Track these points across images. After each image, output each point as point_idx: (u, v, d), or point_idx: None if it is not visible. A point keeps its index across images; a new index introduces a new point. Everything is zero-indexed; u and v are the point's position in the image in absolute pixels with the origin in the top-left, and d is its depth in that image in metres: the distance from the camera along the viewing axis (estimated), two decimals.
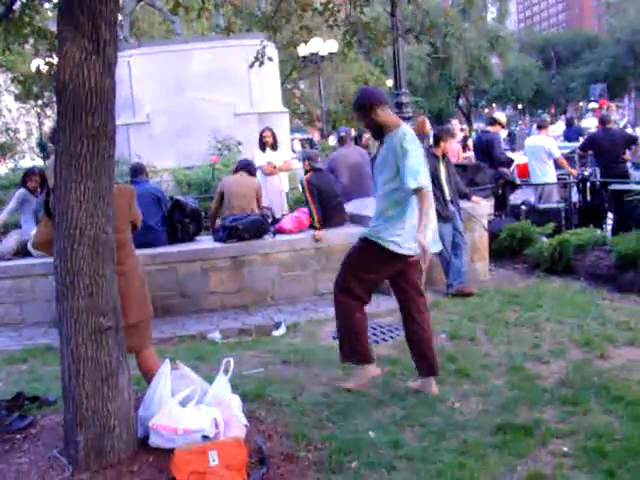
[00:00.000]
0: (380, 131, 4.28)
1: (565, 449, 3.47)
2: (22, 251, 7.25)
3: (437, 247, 4.43)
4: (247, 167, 7.81)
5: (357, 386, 4.44)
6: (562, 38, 68.55)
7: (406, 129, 4.23)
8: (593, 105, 28.97)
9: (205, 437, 3.34)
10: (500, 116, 10.87)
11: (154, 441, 3.39)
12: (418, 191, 4.01)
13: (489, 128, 10.48)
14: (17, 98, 29.96)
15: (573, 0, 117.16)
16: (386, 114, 4.26)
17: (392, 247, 4.19)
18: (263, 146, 9.13)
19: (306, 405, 4.17)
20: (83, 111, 3.07)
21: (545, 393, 4.22)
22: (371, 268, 4.33)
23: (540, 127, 10.88)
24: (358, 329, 4.40)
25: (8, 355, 5.83)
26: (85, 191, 3.12)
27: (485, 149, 10.03)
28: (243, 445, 3.29)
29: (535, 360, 4.89)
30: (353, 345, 4.41)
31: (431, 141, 7.51)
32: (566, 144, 12.56)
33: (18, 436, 3.68)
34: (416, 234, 3.98)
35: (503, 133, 16.60)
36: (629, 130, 19.52)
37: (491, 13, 54.82)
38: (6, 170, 24.73)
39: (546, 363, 4.83)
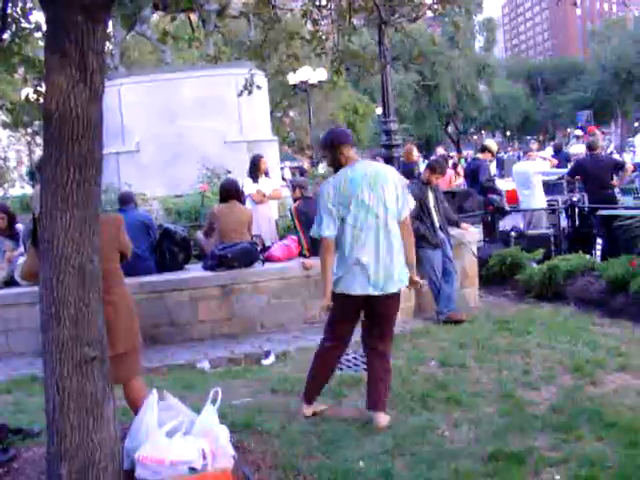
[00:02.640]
0: (339, 169, 4.39)
1: (558, 477, 3.43)
2: (11, 281, 7.18)
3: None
4: (237, 194, 7.70)
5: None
6: (548, 65, 69.54)
7: (339, 173, 4.34)
8: (578, 132, 29.24)
9: (192, 469, 3.28)
10: (491, 144, 10.98)
11: (140, 474, 3.32)
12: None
13: (479, 155, 10.56)
14: (6, 126, 29.96)
15: (558, 28, 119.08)
16: (349, 154, 4.38)
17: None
18: (256, 173, 9.07)
19: (295, 435, 4.12)
20: (69, 139, 3.05)
21: (537, 420, 4.19)
22: None
23: (526, 153, 11.02)
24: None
25: None
26: (71, 220, 3.09)
27: (474, 176, 10.10)
28: (231, 476, 3.24)
29: (526, 386, 4.86)
30: None
31: (421, 168, 7.54)
32: (554, 170, 12.64)
33: (0, 470, 3.60)
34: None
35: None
36: (616, 156, 19.68)
37: (478, 42, 55.58)
38: None
39: (537, 389, 4.80)
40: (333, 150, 4.38)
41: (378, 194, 4.23)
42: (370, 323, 4.48)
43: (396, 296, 4.40)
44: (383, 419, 4.28)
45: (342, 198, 4.24)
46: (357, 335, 6.44)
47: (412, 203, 4.70)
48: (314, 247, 7.26)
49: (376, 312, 4.40)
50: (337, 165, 4.42)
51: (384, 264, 4.23)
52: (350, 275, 4.26)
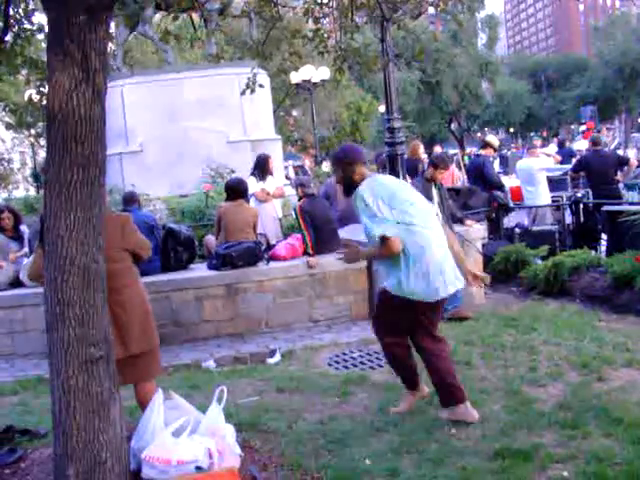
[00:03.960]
0: (351, 186, 4.29)
1: (565, 474, 3.42)
2: (16, 282, 7.20)
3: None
4: (245, 193, 7.69)
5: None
6: (552, 62, 69.34)
7: (362, 186, 4.20)
8: (583, 128, 29.23)
9: (199, 468, 3.28)
10: (492, 139, 10.92)
11: (147, 473, 3.32)
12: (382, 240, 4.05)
13: (481, 151, 10.52)
14: (9, 127, 30.01)
15: (561, 24, 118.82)
16: (362, 172, 4.29)
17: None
18: (264, 173, 9.03)
19: (302, 433, 4.11)
20: (73, 140, 3.05)
21: (543, 417, 4.17)
22: None
23: (530, 149, 10.99)
24: None
25: None
26: (75, 220, 3.09)
27: (478, 172, 10.06)
28: (237, 475, 3.24)
29: (532, 383, 4.85)
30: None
31: (425, 165, 7.52)
32: (558, 166, 12.62)
33: (7, 471, 3.61)
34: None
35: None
36: (620, 151, 19.63)
37: (481, 39, 55.46)
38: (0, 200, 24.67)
39: (544, 386, 4.78)
40: (347, 167, 4.29)
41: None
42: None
43: None
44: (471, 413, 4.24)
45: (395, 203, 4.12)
46: (360, 334, 6.47)
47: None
48: (318, 246, 7.26)
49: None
50: (348, 182, 4.32)
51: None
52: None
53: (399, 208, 4.07)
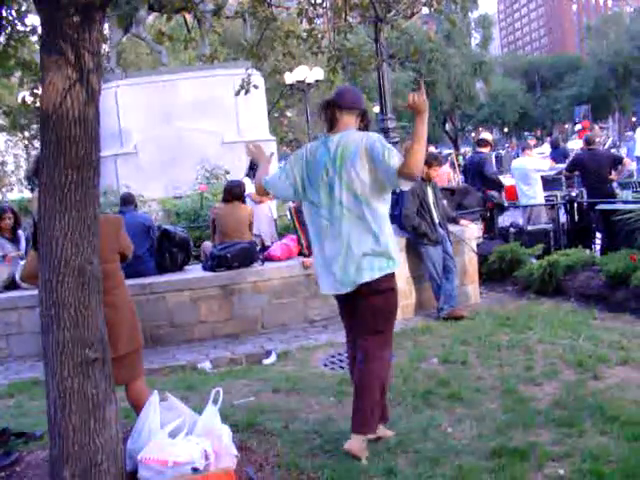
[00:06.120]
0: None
1: (561, 472, 3.42)
2: (11, 284, 7.18)
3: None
4: (241, 196, 7.70)
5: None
6: (545, 61, 69.59)
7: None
8: (579, 127, 29.30)
9: (195, 469, 3.27)
10: (487, 136, 10.98)
11: (143, 475, 3.31)
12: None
13: (481, 149, 10.56)
14: (3, 130, 29.94)
15: (555, 24, 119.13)
16: (343, 119, 3.86)
17: None
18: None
19: (298, 434, 4.11)
20: (67, 141, 3.04)
21: (539, 415, 4.18)
22: None
23: (524, 149, 11.01)
24: None
25: None
26: (70, 221, 3.08)
27: (477, 170, 10.10)
28: (234, 476, 3.23)
29: (528, 382, 4.85)
30: None
31: None
32: (552, 165, 12.64)
33: (3, 474, 3.59)
34: None
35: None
36: (614, 150, 19.68)
37: (474, 39, 55.54)
38: None
39: (539, 385, 4.79)
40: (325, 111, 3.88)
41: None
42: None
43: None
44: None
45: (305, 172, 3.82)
46: None
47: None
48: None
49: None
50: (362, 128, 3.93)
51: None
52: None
53: None
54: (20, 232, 8.09)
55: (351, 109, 3.87)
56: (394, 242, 3.83)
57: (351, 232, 3.70)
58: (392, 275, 3.80)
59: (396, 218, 7.52)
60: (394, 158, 3.57)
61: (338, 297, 3.94)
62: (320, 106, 3.97)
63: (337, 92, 4.02)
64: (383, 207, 3.78)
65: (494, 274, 8.34)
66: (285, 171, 3.92)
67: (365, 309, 3.78)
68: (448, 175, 11.63)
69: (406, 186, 3.74)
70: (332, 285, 3.82)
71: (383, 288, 3.75)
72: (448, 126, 55.01)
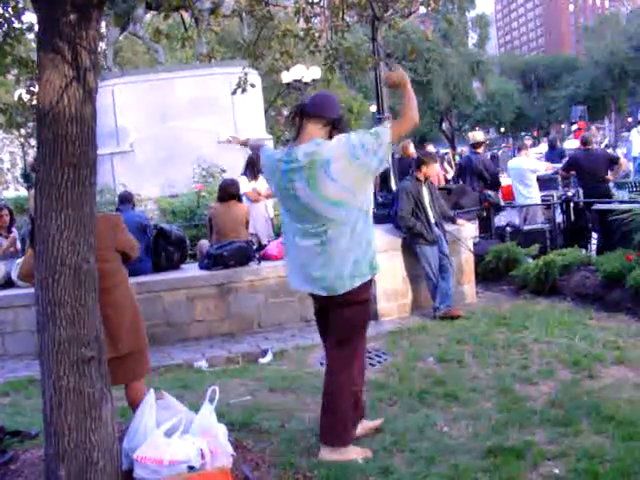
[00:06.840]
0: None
1: (557, 471, 3.43)
2: (7, 282, 7.16)
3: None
4: (237, 195, 7.69)
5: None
6: (542, 61, 69.65)
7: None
8: (575, 127, 29.37)
9: (191, 468, 3.27)
10: (477, 136, 11.01)
11: (139, 473, 3.31)
12: None
13: (479, 150, 10.59)
14: None
15: (551, 24, 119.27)
16: (310, 130, 3.66)
17: None
18: (256, 172, 8.99)
19: (294, 433, 4.11)
20: (63, 139, 3.03)
21: (535, 415, 4.18)
22: None
23: (520, 149, 11.05)
24: None
25: None
26: (66, 220, 3.08)
27: (477, 170, 10.12)
28: (229, 475, 3.23)
29: (524, 381, 4.86)
30: None
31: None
32: (549, 168, 12.67)
33: None
34: None
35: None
36: (610, 150, 19.72)
37: (471, 38, 55.59)
38: None
39: (535, 384, 4.80)
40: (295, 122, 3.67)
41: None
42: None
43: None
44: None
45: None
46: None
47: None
48: None
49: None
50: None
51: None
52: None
53: None
54: (14, 230, 8.07)
55: (318, 117, 3.62)
56: (374, 248, 3.70)
57: (331, 239, 3.55)
58: (369, 284, 3.69)
59: (391, 218, 7.54)
60: (384, 133, 3.54)
61: (313, 296, 3.86)
62: (289, 111, 3.81)
63: (309, 97, 3.83)
64: (363, 210, 3.62)
65: (490, 274, 8.34)
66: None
67: (337, 319, 3.70)
68: (437, 175, 11.64)
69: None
70: (304, 282, 3.73)
71: (359, 299, 3.65)
72: (445, 125, 55.05)
